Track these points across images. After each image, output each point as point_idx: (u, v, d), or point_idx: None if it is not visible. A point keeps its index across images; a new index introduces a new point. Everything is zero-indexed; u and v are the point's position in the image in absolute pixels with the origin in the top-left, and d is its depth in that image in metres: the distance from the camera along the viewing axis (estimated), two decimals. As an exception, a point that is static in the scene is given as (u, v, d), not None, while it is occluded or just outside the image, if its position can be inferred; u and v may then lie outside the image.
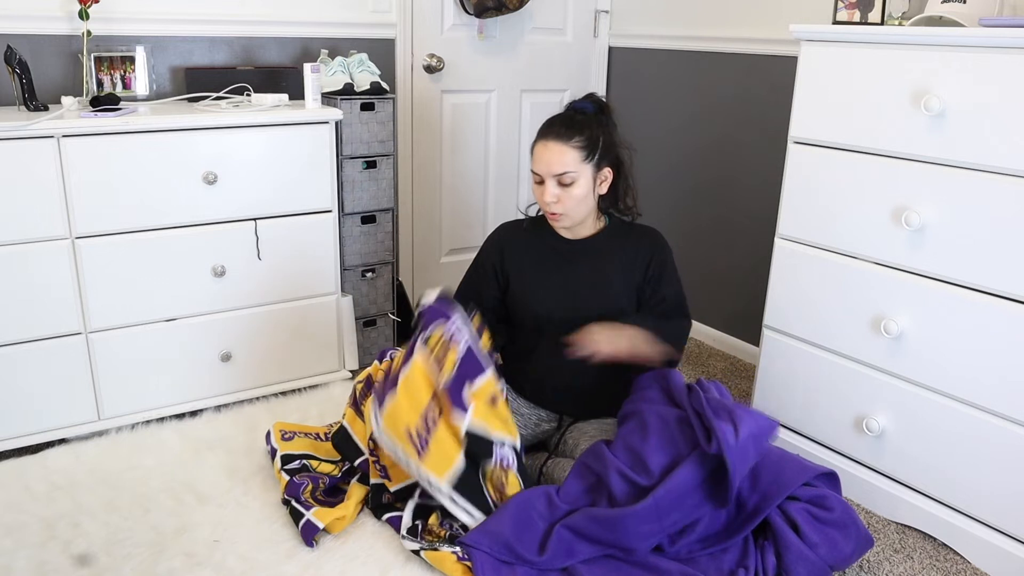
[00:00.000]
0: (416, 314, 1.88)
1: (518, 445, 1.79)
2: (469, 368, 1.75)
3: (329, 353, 2.53)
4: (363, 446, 1.93)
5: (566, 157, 1.88)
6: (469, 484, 1.73)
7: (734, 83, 2.81)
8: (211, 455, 2.10)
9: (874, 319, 1.93)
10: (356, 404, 1.99)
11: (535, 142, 1.95)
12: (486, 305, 2.14)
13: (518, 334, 2.12)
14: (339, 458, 2.01)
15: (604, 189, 1.97)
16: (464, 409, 1.71)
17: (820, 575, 1.64)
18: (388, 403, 1.75)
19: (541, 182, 1.93)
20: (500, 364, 1.98)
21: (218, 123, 2.15)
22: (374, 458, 1.86)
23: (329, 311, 2.49)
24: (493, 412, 1.76)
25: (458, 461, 1.72)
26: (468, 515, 1.74)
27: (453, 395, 1.72)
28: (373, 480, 1.87)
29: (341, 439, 2.00)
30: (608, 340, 1.86)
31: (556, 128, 1.92)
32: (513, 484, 1.77)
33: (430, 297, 1.86)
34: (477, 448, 1.73)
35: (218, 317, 2.30)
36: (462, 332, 1.78)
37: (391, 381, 1.79)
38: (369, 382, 2.00)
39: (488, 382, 1.76)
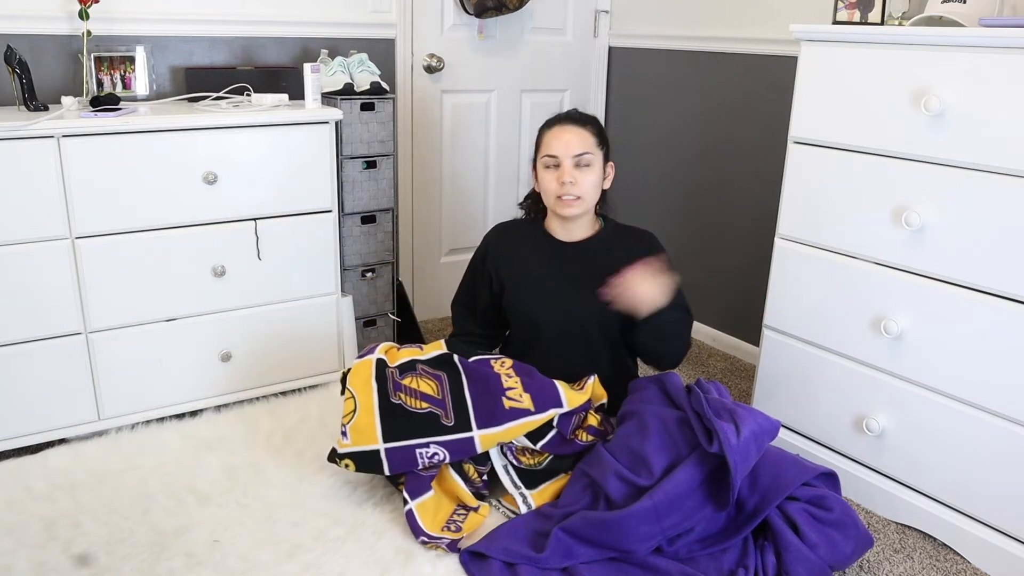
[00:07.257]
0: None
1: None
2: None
3: (329, 353, 2.53)
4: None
5: (585, 139, 1.91)
6: None
7: (734, 83, 2.81)
8: (211, 455, 2.10)
9: (874, 319, 1.93)
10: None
11: (544, 131, 1.96)
12: (481, 308, 2.14)
13: (514, 335, 2.12)
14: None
15: (608, 184, 1.98)
16: None
17: (820, 575, 1.64)
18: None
19: (555, 166, 1.92)
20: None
21: (218, 123, 2.15)
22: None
23: (329, 311, 2.49)
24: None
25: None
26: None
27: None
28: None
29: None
30: (650, 291, 1.83)
31: (568, 117, 1.96)
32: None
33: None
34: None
35: (218, 317, 2.30)
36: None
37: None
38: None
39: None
